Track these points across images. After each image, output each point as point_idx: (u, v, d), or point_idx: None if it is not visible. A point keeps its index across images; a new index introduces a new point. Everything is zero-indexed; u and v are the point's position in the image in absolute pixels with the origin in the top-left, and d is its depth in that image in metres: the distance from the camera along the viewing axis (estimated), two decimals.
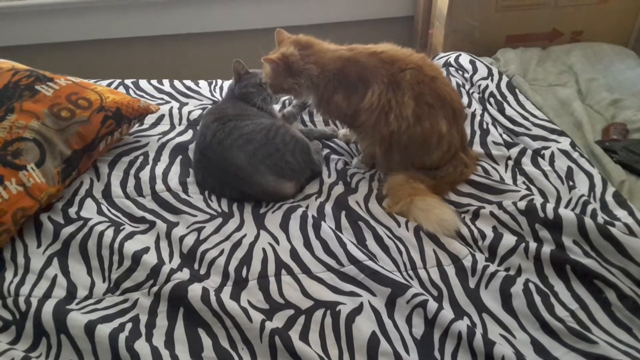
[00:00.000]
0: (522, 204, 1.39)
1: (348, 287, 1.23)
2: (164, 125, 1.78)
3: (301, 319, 1.16)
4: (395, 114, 1.45)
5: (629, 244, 1.24)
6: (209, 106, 1.83)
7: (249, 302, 1.19)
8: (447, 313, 1.15)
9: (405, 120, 1.45)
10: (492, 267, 1.26)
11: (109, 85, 1.93)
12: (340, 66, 1.48)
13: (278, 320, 1.15)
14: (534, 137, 1.68)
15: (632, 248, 1.23)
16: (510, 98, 1.88)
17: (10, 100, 1.46)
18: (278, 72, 1.49)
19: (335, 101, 1.51)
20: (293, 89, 1.52)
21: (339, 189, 1.52)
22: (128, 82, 1.99)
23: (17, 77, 1.54)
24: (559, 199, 1.46)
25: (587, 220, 1.30)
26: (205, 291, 1.17)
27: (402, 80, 1.46)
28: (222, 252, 1.32)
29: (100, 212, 1.42)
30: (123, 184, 1.53)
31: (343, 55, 1.49)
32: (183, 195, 1.49)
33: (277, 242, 1.34)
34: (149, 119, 1.77)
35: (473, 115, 1.79)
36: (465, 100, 1.87)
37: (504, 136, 1.71)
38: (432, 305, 1.16)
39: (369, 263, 1.26)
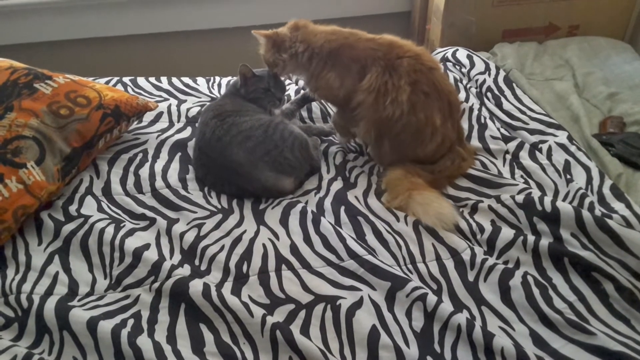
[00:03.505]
0: (520, 198, 1.40)
1: (348, 281, 1.24)
2: (163, 123, 1.78)
3: (302, 314, 1.17)
4: (391, 97, 1.46)
5: (627, 236, 1.25)
6: (208, 103, 1.83)
7: (250, 297, 1.20)
8: (447, 306, 1.16)
9: (400, 106, 1.46)
10: (491, 261, 1.27)
11: (107, 83, 1.93)
12: (335, 47, 1.52)
13: (279, 315, 1.16)
14: (532, 131, 1.68)
15: (629, 240, 1.24)
16: (507, 92, 1.88)
17: (9, 98, 1.46)
18: (267, 47, 1.59)
19: (325, 78, 1.53)
20: (277, 64, 1.59)
21: (338, 184, 1.53)
22: (126, 79, 1.99)
23: (16, 76, 1.54)
24: (556, 193, 1.47)
25: (585, 213, 1.30)
26: (206, 287, 1.18)
27: (400, 66, 1.47)
28: (222, 248, 1.32)
29: (100, 209, 1.43)
30: (123, 181, 1.53)
31: (339, 39, 1.53)
32: (183, 192, 1.50)
33: (277, 238, 1.35)
34: (148, 117, 1.78)
35: (471, 109, 1.80)
36: (462, 94, 1.88)
37: (502, 130, 1.71)
38: (432, 298, 1.17)
39: (369, 257, 1.27)
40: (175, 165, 1.59)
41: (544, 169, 1.54)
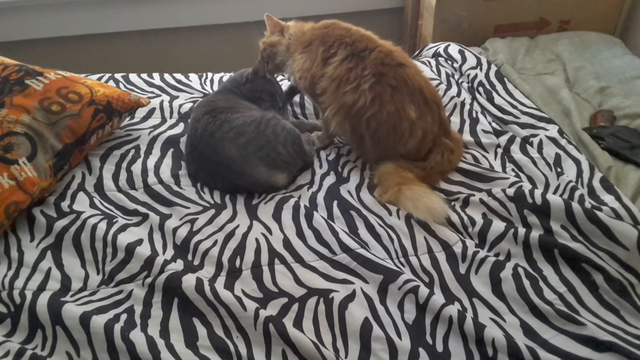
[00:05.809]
0: (511, 191, 1.41)
1: (341, 274, 1.24)
2: (155, 119, 1.78)
3: (295, 307, 1.17)
4: (352, 85, 1.49)
5: (616, 228, 1.26)
6: (200, 99, 1.83)
7: (243, 292, 1.21)
8: (438, 298, 1.17)
9: (364, 96, 1.48)
10: (482, 253, 1.28)
11: (99, 79, 1.92)
12: (315, 34, 1.61)
13: (272, 309, 1.17)
14: (523, 125, 1.69)
15: (618, 232, 1.25)
16: (499, 87, 1.90)
17: (1, 95, 1.46)
18: (273, 30, 1.73)
19: (298, 60, 1.61)
20: (274, 45, 1.70)
21: (331, 179, 1.53)
22: (118, 76, 1.99)
23: (7, 72, 1.53)
24: (547, 186, 1.48)
25: (575, 205, 1.32)
26: (199, 281, 1.18)
27: (366, 58, 1.51)
28: (215, 242, 1.32)
29: (92, 205, 1.43)
30: (115, 178, 1.53)
31: (321, 28, 1.62)
32: (175, 188, 1.50)
33: (270, 232, 1.35)
34: (140, 113, 1.77)
35: (462, 104, 1.80)
36: (454, 89, 1.89)
37: (493, 124, 1.72)
38: (424, 291, 1.18)
39: (361, 251, 1.27)
40: (167, 161, 1.59)
41: (534, 163, 1.55)
